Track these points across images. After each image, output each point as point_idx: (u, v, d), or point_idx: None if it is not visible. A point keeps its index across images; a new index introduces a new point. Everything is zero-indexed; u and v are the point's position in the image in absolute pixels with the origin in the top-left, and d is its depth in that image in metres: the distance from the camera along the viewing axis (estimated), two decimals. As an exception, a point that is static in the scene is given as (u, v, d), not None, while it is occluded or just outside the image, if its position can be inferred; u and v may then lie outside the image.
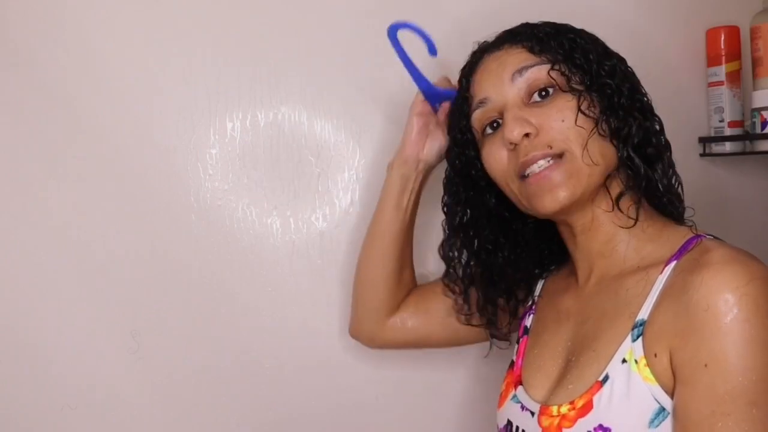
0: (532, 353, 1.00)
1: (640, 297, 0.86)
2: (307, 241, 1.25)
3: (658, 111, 0.96)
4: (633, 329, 0.84)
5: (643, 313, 0.84)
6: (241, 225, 1.24)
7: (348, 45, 1.25)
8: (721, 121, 1.30)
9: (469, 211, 1.04)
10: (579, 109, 0.89)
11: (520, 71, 0.92)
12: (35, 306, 1.20)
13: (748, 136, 1.29)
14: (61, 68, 1.19)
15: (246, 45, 1.23)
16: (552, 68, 0.91)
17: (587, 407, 0.84)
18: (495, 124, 0.95)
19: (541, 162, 0.89)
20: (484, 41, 1.00)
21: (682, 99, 1.34)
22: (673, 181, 0.94)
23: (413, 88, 1.11)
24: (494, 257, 1.04)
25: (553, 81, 0.90)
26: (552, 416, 0.88)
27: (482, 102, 0.95)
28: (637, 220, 0.91)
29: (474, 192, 1.03)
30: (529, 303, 1.07)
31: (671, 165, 0.94)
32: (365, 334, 1.17)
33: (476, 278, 1.06)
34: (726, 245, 0.85)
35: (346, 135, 1.25)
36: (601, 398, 0.83)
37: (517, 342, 1.05)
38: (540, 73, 0.91)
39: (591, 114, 0.89)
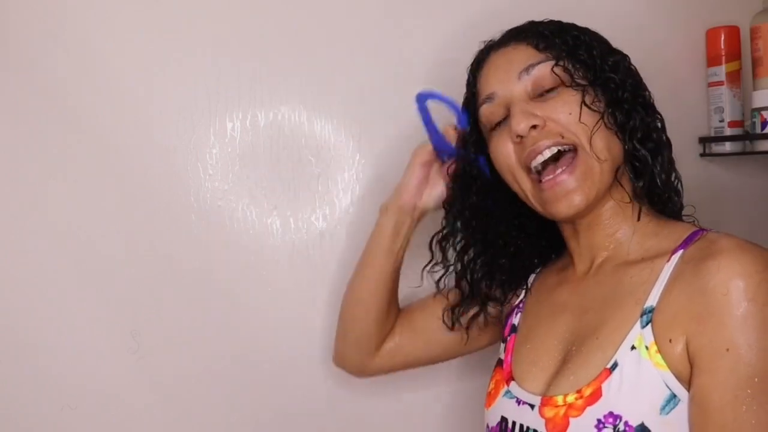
0: (523, 348, 0.99)
1: (646, 284, 0.86)
2: (307, 241, 1.25)
3: (658, 110, 0.96)
4: (642, 316, 0.84)
5: (652, 300, 0.85)
6: (241, 225, 1.24)
7: (348, 45, 1.25)
8: (721, 121, 1.30)
9: (474, 206, 1.04)
10: (583, 103, 0.90)
11: (527, 69, 0.93)
12: (35, 306, 1.20)
13: (748, 136, 1.29)
14: (61, 68, 1.19)
15: (246, 45, 1.23)
16: (556, 64, 0.92)
17: (596, 395, 0.84)
18: (502, 121, 0.96)
19: (547, 152, 0.90)
20: (491, 40, 1.01)
21: (682, 99, 1.34)
22: (673, 178, 0.95)
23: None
24: (498, 250, 1.04)
25: (557, 77, 0.92)
26: (557, 406, 0.87)
27: (489, 97, 0.96)
28: (640, 214, 0.92)
29: (481, 189, 1.03)
30: (516, 301, 1.07)
31: (671, 162, 0.96)
32: (352, 366, 1.17)
33: (475, 270, 1.05)
34: (733, 235, 0.86)
35: (346, 135, 1.25)
36: (610, 385, 0.83)
37: (503, 341, 1.05)
38: (545, 69, 0.93)
39: (596, 108, 0.90)
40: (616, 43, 1.00)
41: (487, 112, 0.97)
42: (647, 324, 0.84)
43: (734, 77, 1.30)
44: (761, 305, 0.77)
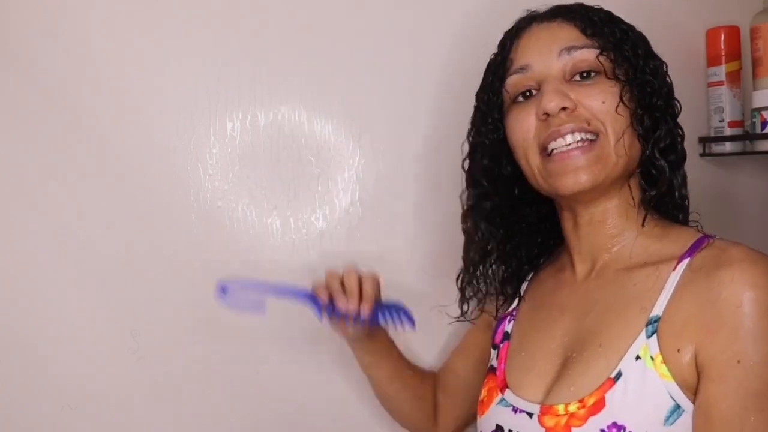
0: (518, 356, 0.97)
1: (651, 292, 0.85)
2: (307, 241, 1.25)
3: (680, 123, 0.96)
4: (647, 325, 0.84)
5: (658, 309, 0.84)
6: (241, 225, 1.24)
7: (348, 45, 1.25)
8: (721, 121, 1.30)
9: (487, 181, 1.01)
10: (621, 98, 0.89)
11: (569, 49, 0.91)
12: (35, 306, 1.20)
13: (748, 136, 1.29)
14: (61, 68, 1.19)
15: (246, 45, 1.23)
16: (601, 53, 0.91)
17: (599, 405, 0.83)
18: (528, 93, 0.93)
19: (569, 137, 0.88)
20: (533, 10, 0.99)
21: (682, 99, 1.32)
22: (685, 191, 0.95)
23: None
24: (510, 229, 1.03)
25: (600, 65, 0.90)
26: (558, 415, 0.86)
27: (523, 68, 0.93)
28: (645, 220, 0.91)
29: (492, 161, 1.00)
30: (509, 309, 1.05)
31: (684, 175, 0.95)
32: None
33: (494, 248, 1.03)
34: (741, 243, 0.85)
35: (346, 135, 1.25)
36: (614, 395, 0.82)
37: (495, 348, 1.03)
38: (589, 55, 0.91)
39: (630, 106, 0.89)
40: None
41: (517, 81, 0.94)
42: (653, 334, 0.83)
43: (734, 77, 1.30)
44: None
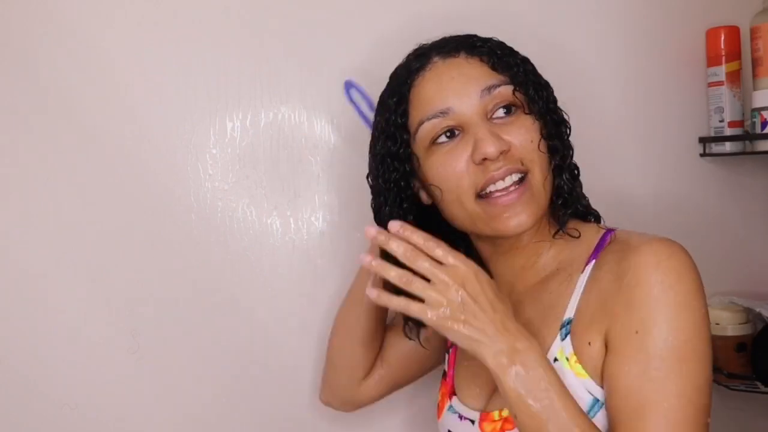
0: (462, 364, 1.01)
1: (563, 297, 0.89)
2: (307, 241, 1.25)
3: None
4: (561, 329, 0.87)
5: (570, 312, 0.87)
6: (241, 225, 1.24)
7: (348, 45, 1.25)
8: (721, 121, 1.30)
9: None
10: (541, 134, 0.90)
11: (489, 89, 0.90)
12: (35, 306, 1.20)
13: (748, 136, 1.29)
14: (62, 69, 1.19)
15: (246, 45, 1.23)
16: (515, 90, 0.91)
17: None
18: (449, 134, 0.91)
19: (507, 178, 0.88)
20: (425, 43, 0.96)
21: (682, 99, 1.34)
22: (579, 187, 0.96)
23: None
24: None
25: (517, 100, 0.91)
26: (494, 421, 0.91)
27: (444, 112, 0.90)
28: (557, 232, 0.93)
29: (398, 208, 0.97)
30: None
31: (581, 184, 0.96)
32: (340, 400, 1.17)
33: None
34: (640, 233, 0.88)
35: (346, 135, 1.25)
36: None
37: (447, 352, 1.07)
38: (506, 91, 0.90)
39: (547, 140, 0.91)
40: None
41: (436, 123, 0.90)
42: (566, 336, 0.86)
43: (734, 77, 1.30)
44: (667, 289, 0.81)
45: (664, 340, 0.79)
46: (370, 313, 1.09)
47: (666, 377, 0.79)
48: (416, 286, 0.81)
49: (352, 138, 1.25)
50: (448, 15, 1.25)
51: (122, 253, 1.21)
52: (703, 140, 1.33)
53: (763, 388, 1.24)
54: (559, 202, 0.93)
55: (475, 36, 0.95)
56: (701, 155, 1.34)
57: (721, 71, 1.30)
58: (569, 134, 0.96)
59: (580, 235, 0.93)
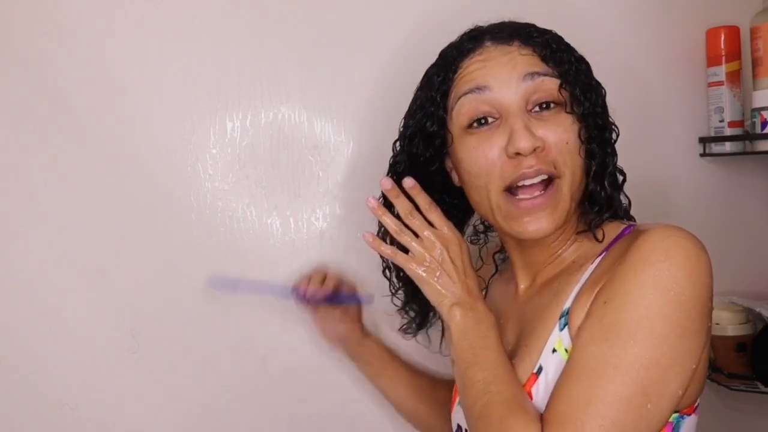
0: None
1: (568, 287, 0.87)
2: (307, 241, 1.25)
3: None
4: (560, 319, 0.86)
5: (569, 302, 0.86)
6: (241, 225, 1.24)
7: (348, 45, 1.25)
8: (721, 121, 1.30)
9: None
10: (579, 136, 0.87)
11: (532, 75, 0.87)
12: (35, 306, 1.20)
13: (748, 136, 1.29)
14: (62, 69, 1.19)
15: (246, 45, 1.23)
16: (562, 85, 0.88)
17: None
18: (483, 120, 0.88)
19: (537, 178, 0.86)
20: (481, 25, 0.94)
21: (682, 99, 1.34)
22: (620, 194, 0.94)
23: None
24: None
25: (560, 97, 0.87)
26: None
27: (480, 88, 0.87)
28: (584, 231, 0.91)
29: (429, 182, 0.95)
30: None
31: (623, 173, 0.94)
32: None
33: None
34: (658, 223, 0.85)
35: (346, 135, 1.25)
36: (539, 388, 0.84)
37: None
38: (551, 84, 0.87)
39: (585, 144, 0.88)
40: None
41: (474, 103, 0.88)
42: (564, 326, 0.85)
43: (734, 77, 1.30)
44: (648, 265, 0.78)
45: (620, 311, 0.78)
46: (407, 389, 1.15)
47: (610, 348, 0.77)
48: (405, 238, 0.89)
49: (352, 138, 1.25)
50: (448, 14, 1.26)
51: (122, 253, 1.21)
52: (703, 140, 1.33)
53: (763, 388, 1.24)
54: (595, 209, 0.90)
55: (533, 26, 0.92)
56: (701, 155, 1.34)
57: (721, 71, 1.30)
58: (616, 140, 0.92)
59: (603, 239, 0.90)
